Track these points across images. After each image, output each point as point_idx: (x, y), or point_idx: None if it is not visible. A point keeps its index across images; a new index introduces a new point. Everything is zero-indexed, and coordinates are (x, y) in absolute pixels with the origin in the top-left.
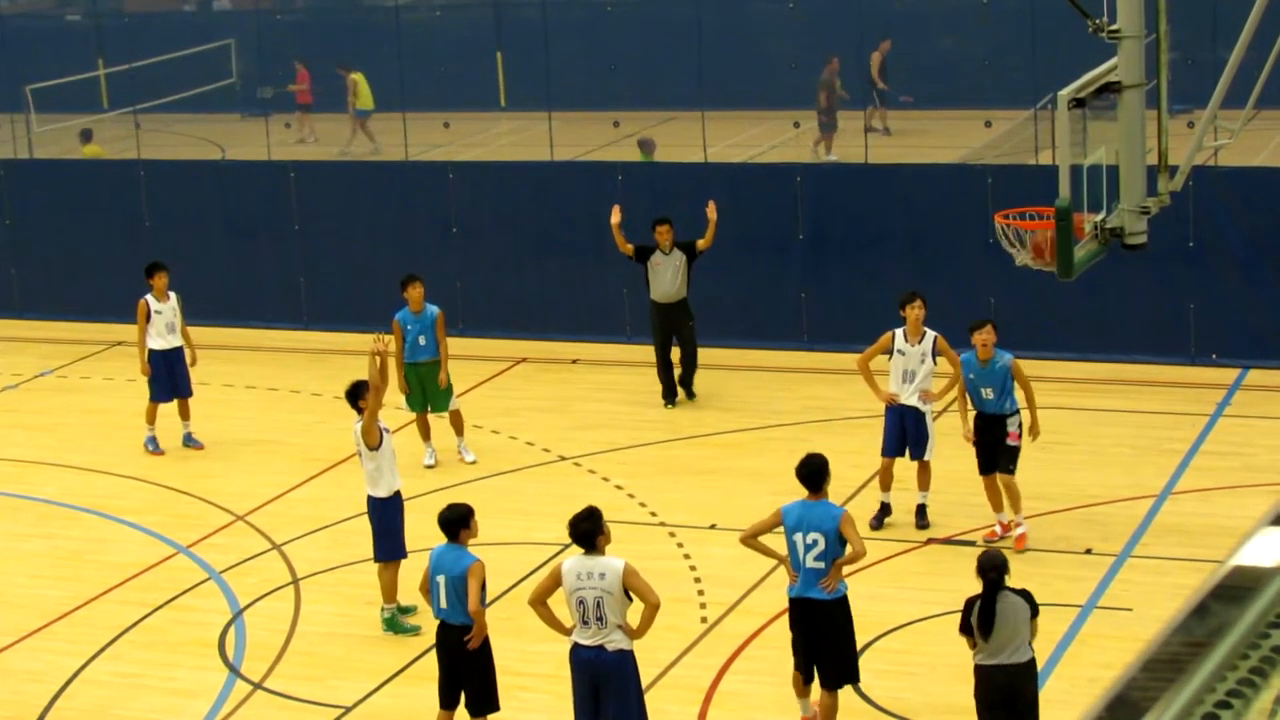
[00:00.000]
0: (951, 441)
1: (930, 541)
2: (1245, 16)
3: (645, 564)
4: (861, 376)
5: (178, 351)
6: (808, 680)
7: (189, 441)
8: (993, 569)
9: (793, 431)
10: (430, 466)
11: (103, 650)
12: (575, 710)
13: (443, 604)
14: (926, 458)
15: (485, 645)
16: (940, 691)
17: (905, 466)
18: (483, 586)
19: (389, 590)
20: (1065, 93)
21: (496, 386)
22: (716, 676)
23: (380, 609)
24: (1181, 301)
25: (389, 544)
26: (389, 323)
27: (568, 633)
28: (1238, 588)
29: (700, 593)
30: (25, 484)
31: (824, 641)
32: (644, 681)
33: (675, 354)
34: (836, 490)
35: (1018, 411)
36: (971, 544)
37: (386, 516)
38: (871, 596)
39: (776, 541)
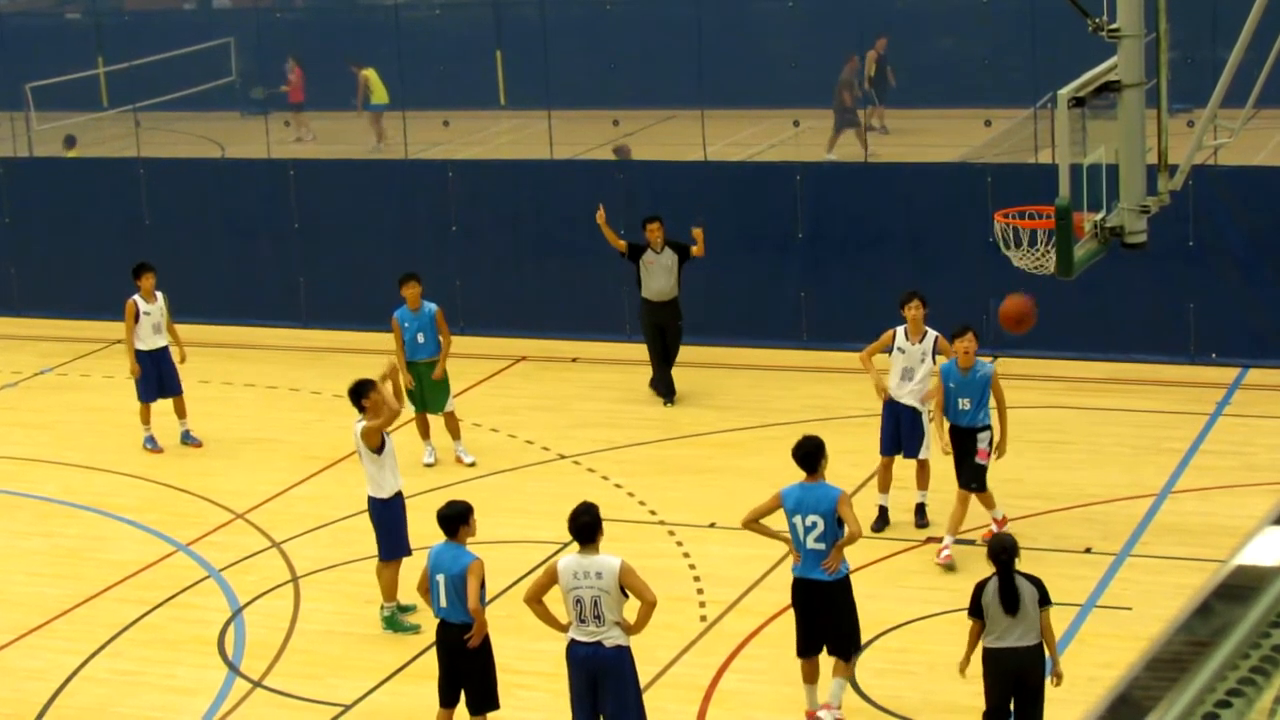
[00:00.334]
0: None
1: (930, 540)
2: (1245, 16)
3: (645, 562)
4: (863, 367)
5: (163, 351)
6: (809, 654)
7: (187, 439)
8: (1003, 550)
9: (792, 430)
10: (430, 465)
11: (102, 648)
12: (573, 707)
13: (442, 603)
14: (922, 456)
15: (485, 643)
16: (940, 690)
17: (905, 466)
18: (482, 584)
19: (389, 589)
20: (1065, 92)
21: (496, 385)
22: (716, 675)
23: (380, 607)
24: (1181, 301)
25: (392, 543)
26: (388, 321)
27: (564, 629)
28: (1240, 587)
29: (700, 591)
30: (25, 482)
31: (828, 619)
32: (644, 680)
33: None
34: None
35: (989, 427)
36: (971, 543)
37: (388, 516)
38: (871, 595)
39: (778, 521)
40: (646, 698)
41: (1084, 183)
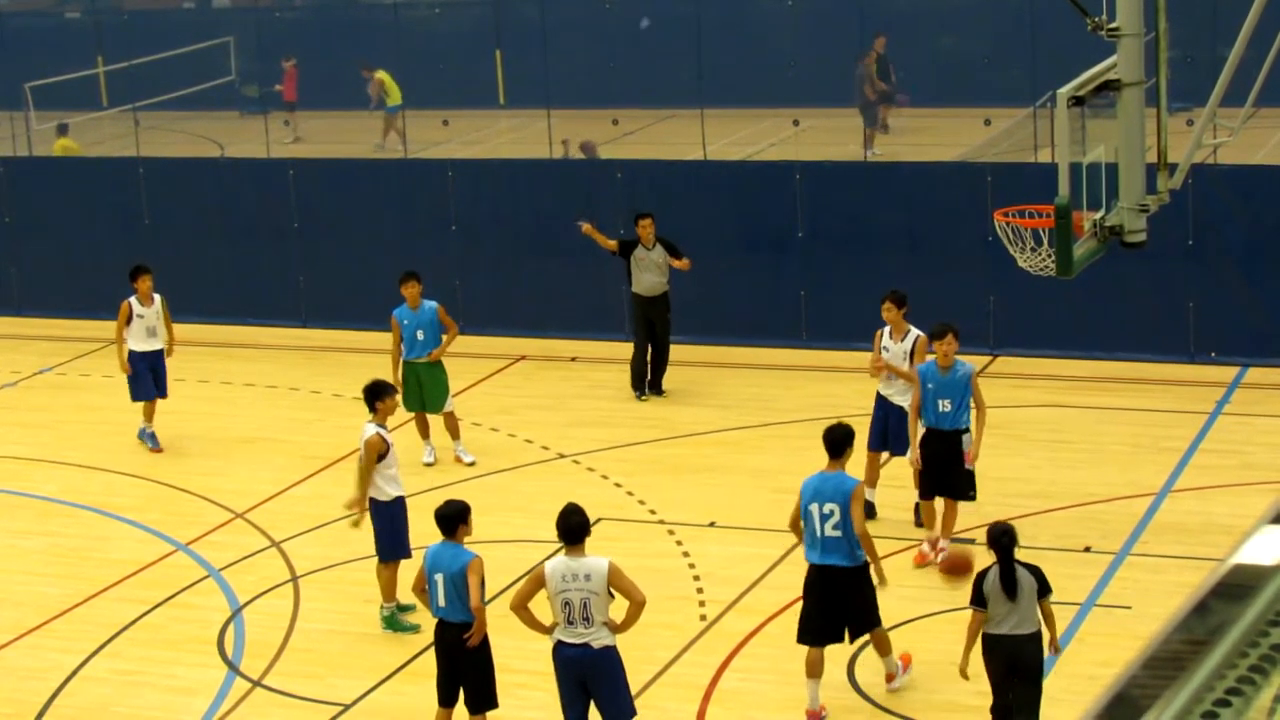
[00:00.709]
0: None
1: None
2: (1244, 14)
3: (644, 562)
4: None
5: (158, 354)
6: (819, 642)
7: (143, 436)
8: (1003, 534)
9: (792, 429)
10: (429, 464)
11: (102, 648)
12: (564, 708)
13: (441, 602)
14: (909, 456)
15: (484, 642)
16: (939, 689)
17: (901, 464)
18: (481, 583)
19: (388, 589)
20: (1064, 91)
21: (495, 384)
22: (716, 674)
23: (380, 607)
24: (1181, 299)
25: (391, 544)
26: (388, 320)
27: (549, 632)
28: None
29: (699, 590)
30: (24, 481)
31: (845, 603)
32: (644, 679)
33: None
34: None
35: (968, 430)
36: (970, 541)
37: (390, 518)
38: None
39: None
40: (646, 697)
41: (1083, 181)
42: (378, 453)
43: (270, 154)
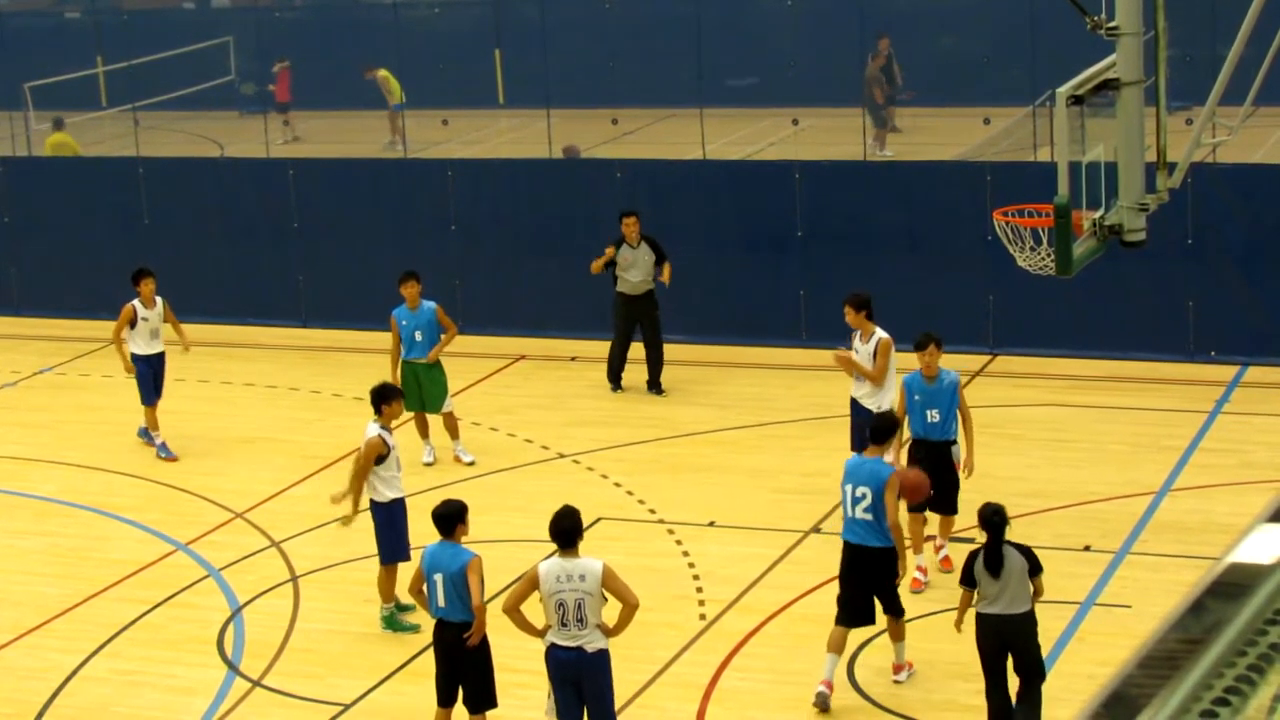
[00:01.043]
0: None
1: (928, 539)
2: (1243, 13)
3: (644, 561)
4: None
5: (160, 357)
6: (850, 624)
7: (144, 434)
8: (994, 514)
9: (791, 429)
10: (429, 464)
11: (101, 648)
12: (559, 711)
13: (441, 602)
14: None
15: (484, 642)
16: (938, 689)
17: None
18: (481, 581)
19: (387, 590)
20: (1064, 90)
21: (495, 384)
22: (715, 674)
23: (380, 607)
24: (1180, 298)
25: (391, 546)
26: (387, 320)
27: (541, 635)
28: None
29: (699, 590)
30: (24, 481)
31: (873, 583)
32: (643, 679)
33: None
34: (834, 490)
35: (956, 441)
36: (969, 541)
37: (390, 520)
38: None
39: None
40: (646, 696)
41: (1083, 181)
42: (377, 454)
43: (270, 154)
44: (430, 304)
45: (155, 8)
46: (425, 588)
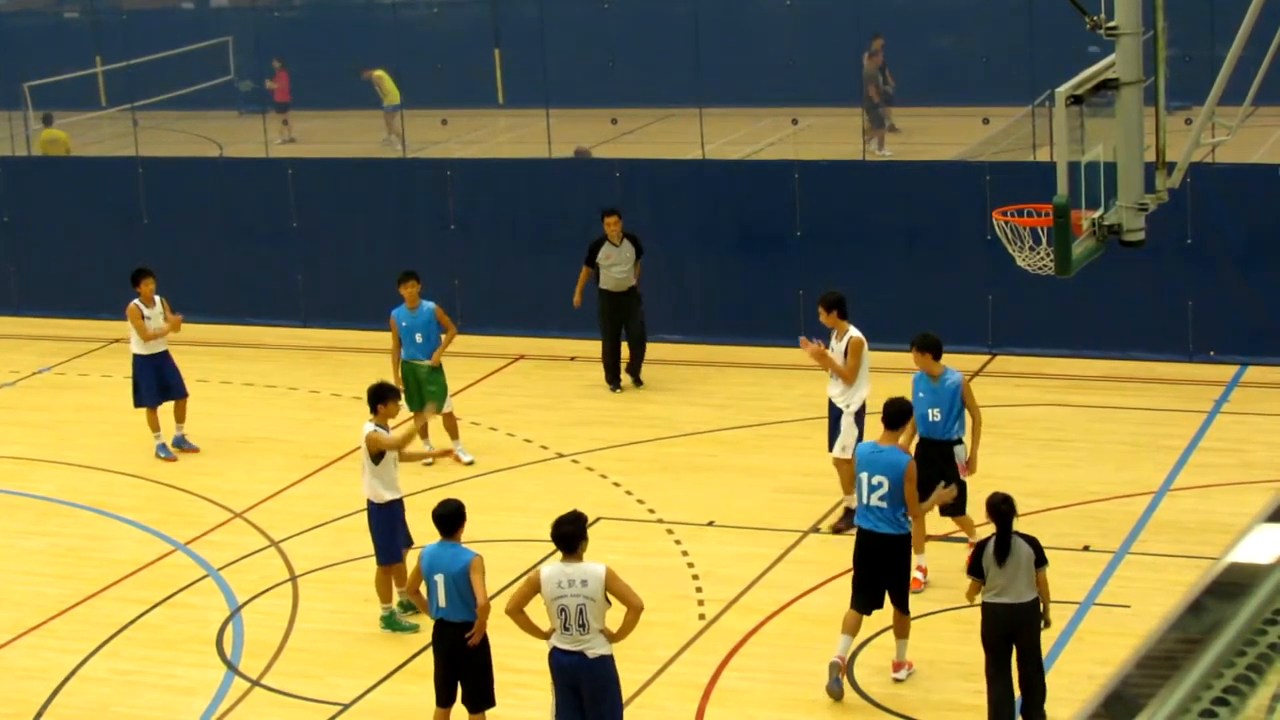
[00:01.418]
0: None
1: (927, 538)
2: (1243, 13)
3: (643, 561)
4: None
5: (164, 355)
6: (864, 609)
7: (181, 444)
8: (1002, 502)
9: (790, 428)
10: (428, 464)
11: (101, 647)
12: (557, 714)
13: (442, 602)
14: (833, 452)
15: (484, 641)
16: (938, 689)
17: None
18: (484, 580)
19: (385, 591)
20: (1063, 89)
21: (494, 384)
22: (715, 673)
23: (379, 607)
24: (1179, 298)
25: (388, 547)
26: (386, 319)
27: (546, 637)
28: (1233, 584)
29: (698, 590)
30: (23, 481)
31: (886, 569)
32: (643, 678)
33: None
34: (833, 490)
35: (961, 440)
36: (962, 541)
37: (382, 521)
38: None
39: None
40: (645, 696)
41: (1082, 180)
42: (377, 450)
43: (269, 154)
44: (429, 304)
45: (154, 7)
46: (424, 588)
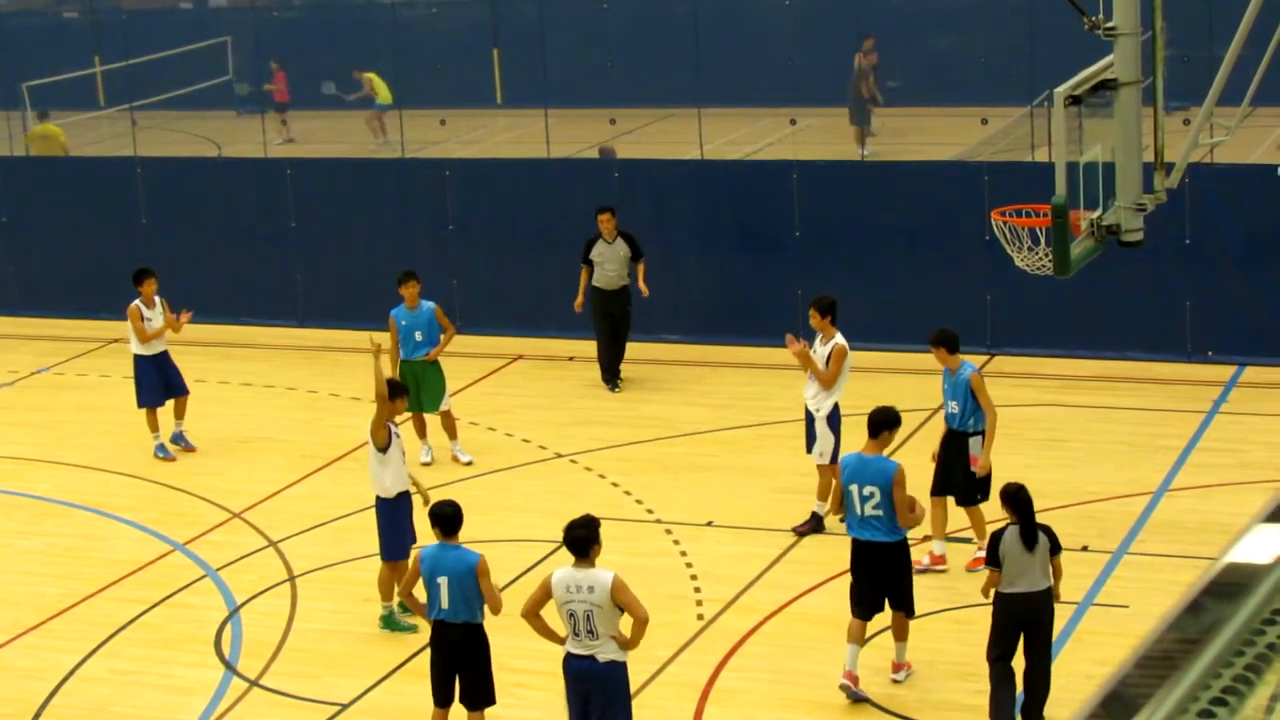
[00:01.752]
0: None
1: (926, 539)
2: (1241, 14)
3: (642, 561)
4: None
5: (164, 355)
6: (866, 616)
7: (179, 440)
8: (1019, 490)
9: (789, 429)
10: (426, 464)
11: (99, 647)
12: (570, 717)
13: (444, 604)
14: (812, 456)
15: (485, 641)
16: (937, 689)
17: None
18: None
19: (386, 589)
20: (1062, 90)
21: (493, 384)
22: (713, 674)
23: (380, 605)
24: (1178, 298)
25: (390, 543)
26: (385, 319)
27: (562, 642)
28: (1232, 584)
29: (697, 590)
30: (21, 481)
31: (886, 578)
32: (641, 679)
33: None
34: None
35: (980, 433)
36: (967, 540)
37: (393, 516)
38: None
39: None
40: (644, 696)
41: (1081, 181)
42: (382, 444)
43: (268, 154)
44: (429, 304)
45: (153, 8)
46: (420, 590)
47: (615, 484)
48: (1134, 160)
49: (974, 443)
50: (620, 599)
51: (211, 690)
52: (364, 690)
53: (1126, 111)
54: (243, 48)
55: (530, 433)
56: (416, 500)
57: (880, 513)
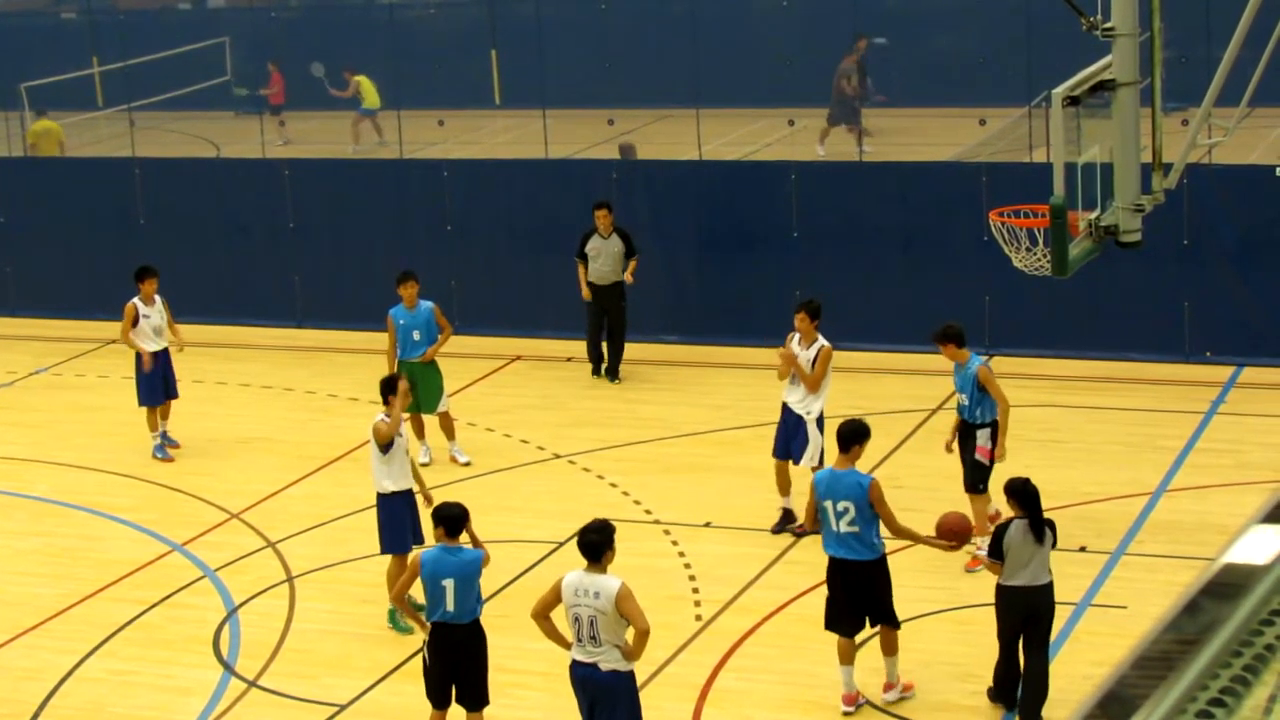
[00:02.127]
0: (941, 440)
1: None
2: (1239, 14)
3: (640, 561)
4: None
5: (164, 353)
6: (850, 634)
7: (164, 438)
8: (1026, 483)
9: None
10: (425, 464)
11: (97, 648)
12: None
13: (450, 606)
14: (801, 463)
15: (483, 641)
16: (935, 690)
17: (902, 473)
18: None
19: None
20: (1060, 90)
21: (491, 384)
22: (712, 674)
23: (391, 600)
24: (1176, 299)
25: (390, 537)
26: (383, 320)
27: (568, 647)
28: (1230, 585)
29: (695, 590)
30: (19, 482)
31: (865, 596)
32: (640, 679)
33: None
34: None
35: (991, 424)
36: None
37: (392, 511)
38: None
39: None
40: (642, 696)
41: (1079, 181)
42: (385, 441)
43: (265, 154)
44: (428, 304)
45: (151, 8)
46: (424, 592)
47: (613, 484)
48: (1132, 161)
49: (981, 434)
50: (623, 608)
51: (210, 691)
52: (362, 691)
53: (1125, 112)
54: (241, 48)
55: (528, 433)
56: (419, 500)
57: (856, 529)
